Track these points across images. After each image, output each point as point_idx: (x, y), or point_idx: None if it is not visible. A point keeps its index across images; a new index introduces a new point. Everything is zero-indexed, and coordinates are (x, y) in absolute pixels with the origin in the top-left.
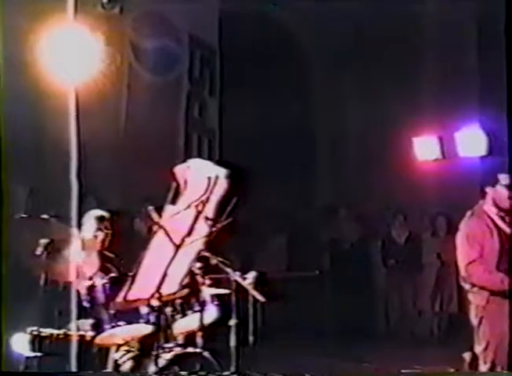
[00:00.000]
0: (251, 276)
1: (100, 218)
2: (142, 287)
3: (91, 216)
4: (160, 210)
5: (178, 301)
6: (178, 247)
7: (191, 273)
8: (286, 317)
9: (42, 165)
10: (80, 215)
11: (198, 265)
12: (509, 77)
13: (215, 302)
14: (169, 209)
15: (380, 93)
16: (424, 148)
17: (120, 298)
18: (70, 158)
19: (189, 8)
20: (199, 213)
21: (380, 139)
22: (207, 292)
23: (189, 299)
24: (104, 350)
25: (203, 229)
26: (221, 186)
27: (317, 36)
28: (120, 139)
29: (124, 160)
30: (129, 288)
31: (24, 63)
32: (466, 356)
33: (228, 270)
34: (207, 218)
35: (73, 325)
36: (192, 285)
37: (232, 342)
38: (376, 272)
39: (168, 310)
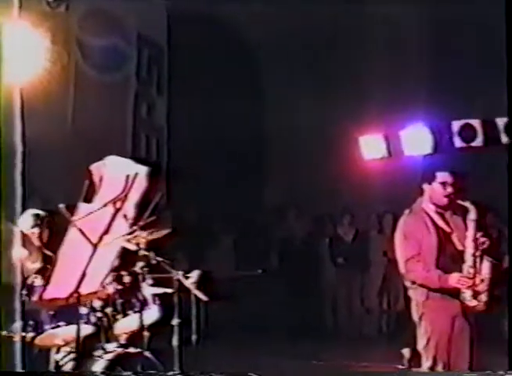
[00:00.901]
0: (194, 275)
1: (36, 216)
2: (59, 287)
3: (28, 214)
4: (73, 208)
5: (120, 300)
6: (95, 245)
7: (133, 273)
8: (233, 316)
9: None
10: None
11: (140, 264)
12: (509, 78)
13: (157, 302)
14: (83, 207)
15: (327, 93)
16: (370, 147)
17: (35, 298)
18: (15, 158)
19: (138, 6)
20: (117, 211)
21: (327, 139)
22: (149, 292)
23: (131, 299)
24: (45, 351)
25: (122, 227)
26: (141, 184)
27: (266, 36)
28: (67, 139)
29: (70, 159)
30: (44, 288)
31: None
32: (406, 352)
33: (171, 269)
34: (126, 217)
35: (15, 326)
36: (133, 285)
37: (175, 342)
38: (324, 271)
39: (109, 310)
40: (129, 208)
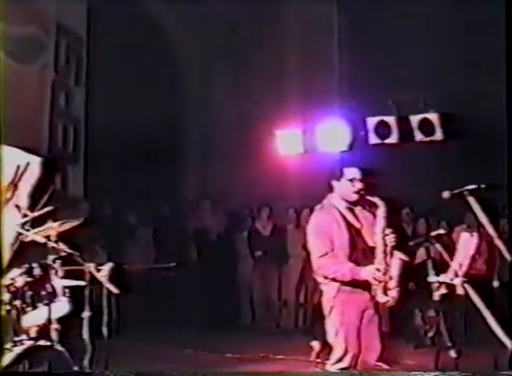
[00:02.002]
0: (106, 267)
1: None
2: None
3: None
4: None
5: (29, 293)
6: None
7: (44, 265)
8: (147, 309)
9: None
10: None
11: (51, 256)
12: (508, 78)
13: (68, 294)
14: None
15: (245, 87)
16: (287, 142)
17: None
18: None
19: None
20: (7, 201)
21: (244, 132)
22: (60, 284)
23: (41, 291)
24: None
25: (15, 217)
26: (33, 174)
27: (184, 27)
28: None
29: None
30: None
31: None
32: (315, 344)
33: (82, 262)
34: (17, 207)
35: None
36: (43, 277)
37: (86, 335)
38: (242, 264)
39: (18, 303)
40: (21, 198)
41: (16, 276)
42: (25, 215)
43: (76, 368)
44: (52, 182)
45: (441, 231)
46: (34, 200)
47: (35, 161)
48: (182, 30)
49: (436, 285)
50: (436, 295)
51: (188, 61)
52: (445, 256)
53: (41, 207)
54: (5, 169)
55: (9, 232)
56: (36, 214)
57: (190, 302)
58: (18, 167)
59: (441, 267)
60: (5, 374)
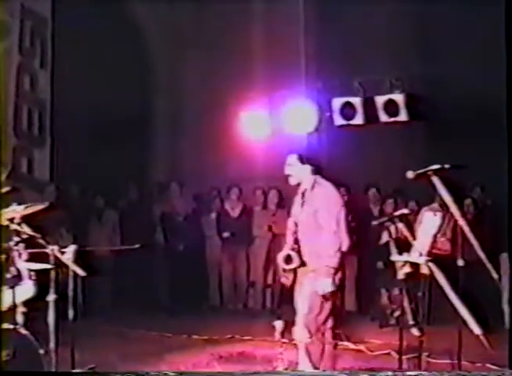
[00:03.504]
0: (71, 250)
1: None
2: None
3: None
4: None
5: None
6: None
7: (7, 248)
8: (114, 291)
9: None
10: None
11: (15, 239)
12: (509, 78)
13: (33, 277)
14: None
15: (212, 68)
16: (254, 123)
17: None
18: None
19: None
20: None
21: (211, 114)
22: (24, 267)
23: (5, 274)
24: None
25: None
26: None
27: (153, 8)
28: None
29: None
30: None
31: None
32: (277, 324)
33: (46, 244)
34: None
35: None
36: (7, 260)
37: (51, 318)
38: (210, 245)
39: None
40: None
41: None
42: None
43: (41, 351)
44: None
45: (405, 211)
46: None
47: None
48: (149, 12)
49: (400, 264)
50: (400, 274)
51: (155, 43)
52: (408, 235)
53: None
54: None
55: None
56: None
57: (157, 284)
58: None
59: (407, 247)
60: (5, 374)
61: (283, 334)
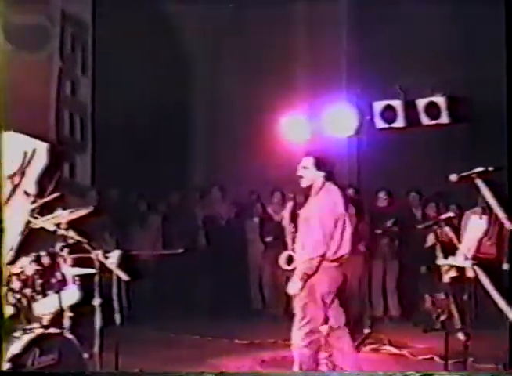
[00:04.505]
0: (115, 254)
1: None
2: None
3: None
4: None
5: (39, 281)
6: None
7: (52, 253)
8: (158, 295)
9: None
10: None
11: (60, 244)
12: (509, 75)
13: (77, 282)
14: None
15: (252, 72)
16: (294, 128)
17: None
18: None
19: None
20: (15, 187)
21: (252, 119)
22: (69, 272)
23: (50, 279)
24: None
25: (23, 204)
26: (41, 160)
27: (191, 10)
28: None
29: None
30: None
31: None
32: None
33: (91, 249)
34: (26, 193)
35: None
36: (52, 265)
37: (97, 322)
38: (252, 249)
39: (28, 291)
40: (29, 185)
41: (26, 265)
42: (34, 202)
43: (86, 355)
44: (59, 168)
45: (451, 214)
46: (42, 187)
47: (42, 147)
48: (189, 16)
49: (446, 268)
50: (446, 278)
51: (196, 47)
52: (454, 239)
53: (49, 194)
54: (12, 155)
55: (18, 219)
56: (44, 200)
57: (200, 288)
58: (25, 153)
59: (452, 250)
60: (5, 374)
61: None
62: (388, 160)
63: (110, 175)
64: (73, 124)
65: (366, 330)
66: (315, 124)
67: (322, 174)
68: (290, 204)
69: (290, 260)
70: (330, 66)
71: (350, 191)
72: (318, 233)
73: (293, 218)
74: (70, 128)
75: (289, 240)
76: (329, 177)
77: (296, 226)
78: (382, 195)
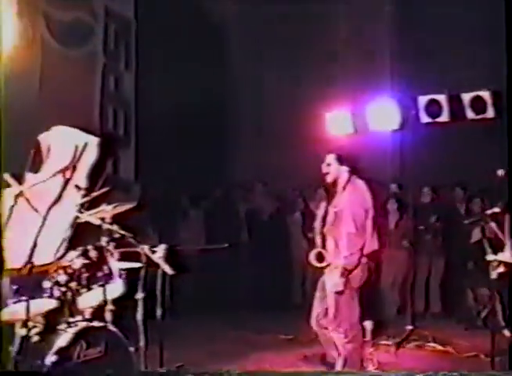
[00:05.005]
0: (161, 249)
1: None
2: (12, 257)
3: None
4: (19, 178)
5: (85, 275)
6: (45, 216)
7: (98, 247)
8: (200, 290)
9: None
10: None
11: (106, 238)
12: (509, 72)
13: (122, 276)
14: (30, 177)
15: (294, 68)
16: (337, 122)
17: None
18: None
19: None
20: (67, 181)
21: (294, 114)
22: (115, 266)
23: (96, 273)
24: (10, 326)
25: (74, 197)
26: (91, 154)
27: (233, 8)
28: (34, 114)
29: (38, 135)
30: None
31: None
32: (367, 324)
33: (136, 244)
34: (77, 187)
35: None
36: (99, 259)
37: (139, 316)
38: (295, 244)
39: (73, 284)
40: (80, 178)
41: (73, 259)
42: (85, 196)
43: (131, 349)
44: (109, 162)
45: (497, 209)
46: (92, 181)
47: (93, 142)
48: (232, 12)
49: (495, 264)
50: (494, 274)
51: (238, 43)
52: (500, 235)
53: (99, 188)
54: (64, 149)
55: (69, 213)
56: (95, 194)
57: (242, 283)
58: (76, 147)
59: (497, 246)
60: (5, 374)
61: (373, 335)
62: (432, 155)
63: (153, 170)
64: (117, 119)
65: (409, 327)
66: (359, 119)
67: (346, 169)
68: (323, 204)
69: (320, 257)
70: (375, 60)
71: (393, 186)
72: (350, 227)
73: (324, 215)
74: (114, 124)
75: (318, 237)
76: (354, 171)
77: (325, 223)
78: (426, 190)
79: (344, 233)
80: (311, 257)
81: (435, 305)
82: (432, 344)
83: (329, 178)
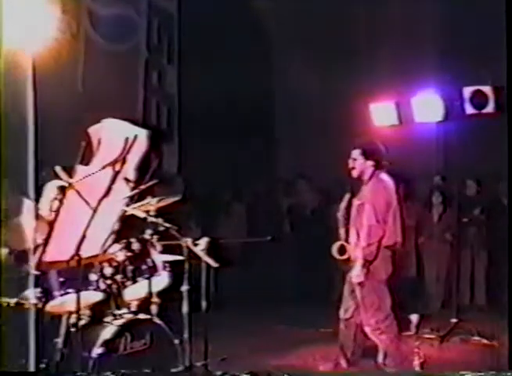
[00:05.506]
0: (203, 242)
1: (61, 188)
2: (59, 250)
3: (52, 186)
4: (70, 170)
5: (130, 267)
6: (95, 208)
7: (142, 240)
8: (243, 283)
9: None
10: (36, 186)
11: (149, 231)
12: (509, 69)
13: (167, 269)
14: (81, 170)
15: (338, 60)
16: (381, 114)
17: (35, 260)
18: (27, 128)
19: None
20: (116, 174)
21: (338, 106)
22: (159, 258)
23: (141, 266)
24: (56, 318)
25: (123, 190)
26: (141, 147)
27: (279, 6)
28: (78, 108)
29: (81, 128)
30: (43, 250)
31: None
32: (413, 317)
33: (180, 236)
34: (127, 180)
35: (27, 293)
36: (143, 251)
37: (184, 308)
38: (337, 238)
39: (119, 277)
40: (129, 171)
41: (117, 251)
42: (133, 189)
43: (176, 341)
44: (158, 155)
45: None
46: (140, 174)
47: (142, 134)
48: (272, 7)
49: None
50: None
51: (279, 36)
52: None
53: (148, 181)
54: (114, 142)
55: (117, 206)
56: (145, 186)
57: (283, 276)
58: (127, 139)
59: None
60: (5, 374)
61: (418, 328)
62: (477, 147)
63: (196, 163)
64: (160, 113)
65: (453, 320)
66: (404, 111)
67: (371, 163)
68: (347, 196)
69: (342, 250)
70: (419, 51)
71: (437, 179)
72: (371, 218)
73: (348, 208)
74: (157, 117)
75: (341, 229)
76: (379, 166)
77: (349, 216)
78: (470, 183)
79: (364, 225)
80: (334, 249)
81: (480, 298)
82: (477, 337)
83: (354, 173)
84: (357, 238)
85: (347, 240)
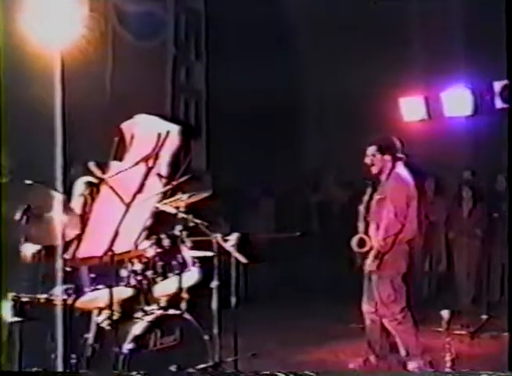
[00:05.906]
0: (233, 237)
1: (89, 184)
2: (93, 245)
3: (81, 182)
4: (103, 166)
5: (160, 263)
6: (128, 204)
7: (172, 236)
8: (272, 278)
9: (28, 131)
10: (65, 181)
11: (179, 227)
12: (509, 67)
13: (197, 264)
14: (114, 165)
15: (367, 54)
16: (411, 108)
17: (69, 256)
18: (56, 124)
19: None
20: (149, 169)
21: (367, 101)
22: (188, 254)
23: (171, 262)
24: (86, 314)
25: (156, 186)
26: (173, 142)
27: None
28: (106, 104)
29: (109, 125)
30: (77, 246)
31: (7, 29)
32: (444, 313)
33: (210, 232)
34: (160, 176)
35: (56, 290)
36: (173, 247)
37: (214, 304)
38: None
39: (149, 273)
40: (162, 167)
41: (147, 247)
42: (166, 184)
43: (206, 337)
44: (190, 151)
45: None
46: (174, 169)
47: (174, 130)
48: (300, 2)
49: None
50: None
51: (308, 31)
52: None
53: (180, 177)
54: (146, 137)
55: (149, 202)
56: (177, 182)
57: (312, 271)
58: (159, 135)
59: None
60: (5, 374)
61: (449, 324)
62: (507, 142)
63: (224, 159)
64: (188, 109)
65: (484, 317)
66: (434, 105)
67: (388, 158)
68: (369, 190)
69: (361, 243)
70: (449, 45)
71: (466, 173)
72: (390, 212)
73: (369, 202)
74: (185, 113)
75: (361, 223)
76: (397, 160)
77: (369, 209)
78: (500, 178)
79: (383, 219)
80: (353, 242)
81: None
82: (507, 334)
83: (374, 170)
84: (376, 232)
85: (367, 234)
